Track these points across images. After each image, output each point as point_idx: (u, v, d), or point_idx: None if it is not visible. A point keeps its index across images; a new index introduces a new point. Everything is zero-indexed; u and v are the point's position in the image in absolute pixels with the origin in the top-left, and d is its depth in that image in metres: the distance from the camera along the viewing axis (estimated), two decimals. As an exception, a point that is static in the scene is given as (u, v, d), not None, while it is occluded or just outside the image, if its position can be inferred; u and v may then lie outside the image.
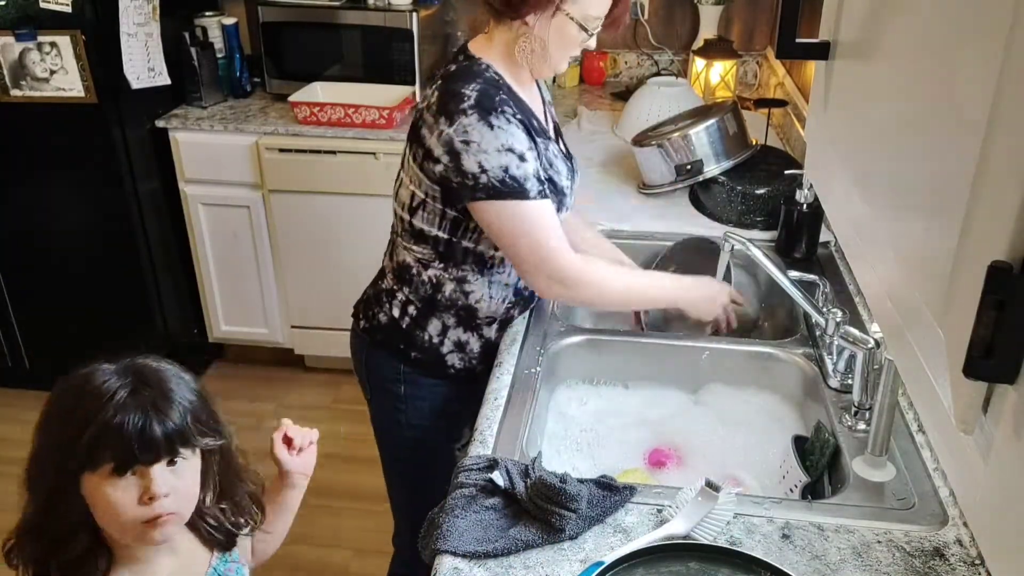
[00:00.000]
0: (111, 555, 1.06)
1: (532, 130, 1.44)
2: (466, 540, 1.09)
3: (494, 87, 1.42)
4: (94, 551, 1.04)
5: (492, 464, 1.20)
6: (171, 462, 1.02)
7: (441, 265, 1.52)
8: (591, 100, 3.02)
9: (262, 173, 2.84)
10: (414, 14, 2.79)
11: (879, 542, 1.10)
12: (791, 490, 1.29)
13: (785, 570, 0.94)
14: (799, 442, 1.36)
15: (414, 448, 1.67)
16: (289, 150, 2.80)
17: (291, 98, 2.81)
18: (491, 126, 1.37)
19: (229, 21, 3.05)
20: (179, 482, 1.03)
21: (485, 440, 1.30)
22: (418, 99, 2.77)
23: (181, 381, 1.07)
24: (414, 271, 1.54)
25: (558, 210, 1.49)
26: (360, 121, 2.72)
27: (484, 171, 1.37)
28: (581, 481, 1.14)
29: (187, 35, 2.90)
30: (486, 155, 1.37)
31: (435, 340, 1.56)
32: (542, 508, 1.10)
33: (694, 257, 1.81)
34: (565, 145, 1.63)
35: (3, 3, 2.57)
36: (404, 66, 2.83)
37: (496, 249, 1.49)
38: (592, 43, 1.46)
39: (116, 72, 2.68)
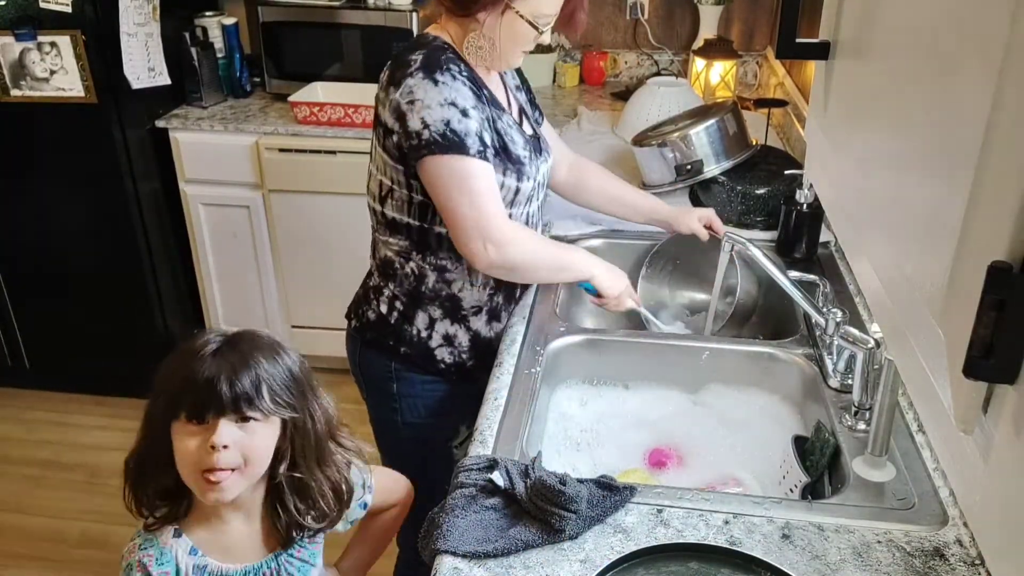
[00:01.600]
0: (191, 501, 1.18)
1: (481, 95, 1.44)
2: (466, 540, 1.09)
3: (441, 51, 1.43)
4: (179, 492, 1.16)
5: (492, 464, 1.20)
6: (242, 419, 1.10)
7: (419, 256, 1.52)
8: (591, 100, 3.02)
9: (262, 173, 2.85)
10: (414, 14, 2.79)
11: (879, 542, 1.10)
12: (791, 490, 1.29)
13: (785, 570, 0.94)
14: (799, 442, 1.36)
15: (410, 446, 1.67)
16: (289, 150, 2.80)
17: (291, 98, 2.81)
18: (435, 82, 1.37)
19: (229, 21, 3.05)
20: (248, 440, 1.10)
21: (485, 440, 1.30)
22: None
23: (274, 355, 1.14)
24: (396, 265, 1.55)
25: (519, 179, 1.49)
26: (360, 121, 2.72)
27: (427, 126, 1.36)
28: (581, 481, 1.14)
29: (187, 35, 2.90)
30: (429, 110, 1.36)
31: (423, 334, 1.57)
32: (542, 509, 1.10)
33: (685, 250, 1.84)
34: (535, 130, 1.64)
35: (3, 3, 2.57)
36: (404, 66, 2.82)
37: None
38: (546, 37, 1.47)
39: (116, 72, 2.68)
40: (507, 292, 1.61)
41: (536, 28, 1.42)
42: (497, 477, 1.17)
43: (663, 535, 1.11)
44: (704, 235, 1.75)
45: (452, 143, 1.37)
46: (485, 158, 1.40)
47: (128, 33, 2.67)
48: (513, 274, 1.52)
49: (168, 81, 2.85)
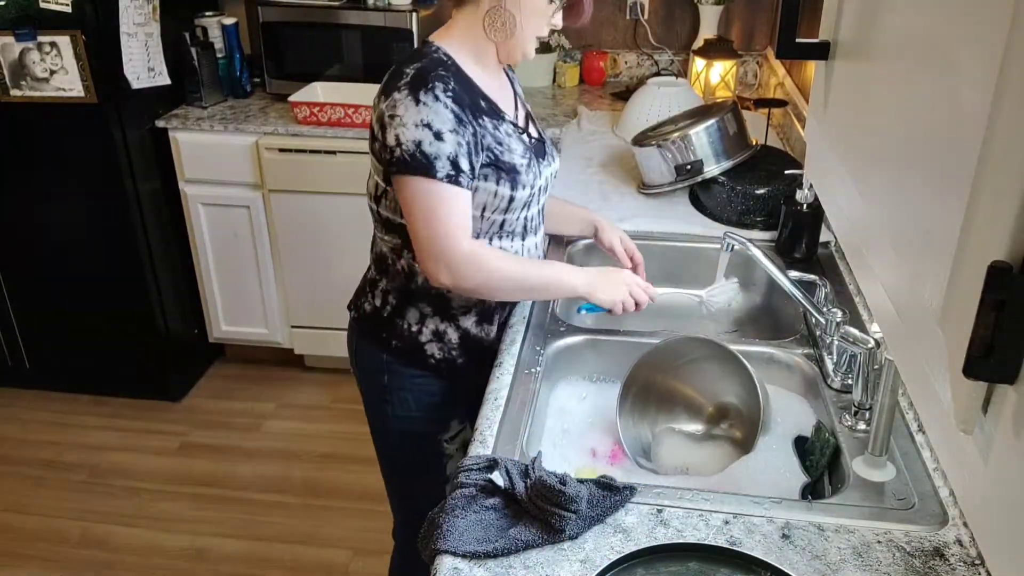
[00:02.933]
0: None
1: (476, 110, 1.43)
2: (466, 540, 1.09)
3: (437, 65, 1.43)
4: None
5: (492, 464, 1.20)
6: None
7: (410, 254, 1.51)
8: (591, 100, 3.02)
9: (262, 173, 2.85)
10: (414, 14, 2.79)
11: (879, 542, 1.10)
12: (793, 488, 1.29)
13: (785, 570, 0.94)
14: (799, 442, 1.36)
15: (401, 439, 1.68)
16: (289, 150, 2.80)
17: (291, 98, 2.81)
18: (416, 101, 1.38)
19: (229, 21, 3.05)
20: None
21: (485, 440, 1.30)
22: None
23: None
24: (389, 260, 1.57)
25: (513, 188, 1.48)
26: (360, 121, 2.72)
27: (399, 144, 1.38)
28: (581, 481, 1.14)
29: (187, 35, 2.91)
30: (404, 128, 1.38)
31: (413, 329, 1.57)
32: (542, 509, 1.10)
33: (652, 371, 1.51)
34: (539, 131, 1.63)
35: (3, 3, 2.57)
36: (404, 66, 2.83)
37: None
38: (558, 20, 1.49)
39: (116, 72, 2.68)
40: None
41: None
42: (497, 477, 1.17)
43: (663, 535, 1.11)
44: (625, 260, 1.71)
45: (420, 164, 1.38)
46: (455, 182, 1.39)
47: (128, 33, 2.67)
48: (477, 294, 1.50)
49: (168, 81, 2.85)
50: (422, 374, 1.60)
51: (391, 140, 1.39)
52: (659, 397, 1.48)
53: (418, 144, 1.37)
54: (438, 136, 1.38)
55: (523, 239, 1.57)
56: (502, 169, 1.47)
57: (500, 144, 1.47)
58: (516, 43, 1.48)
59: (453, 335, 1.58)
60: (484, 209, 1.48)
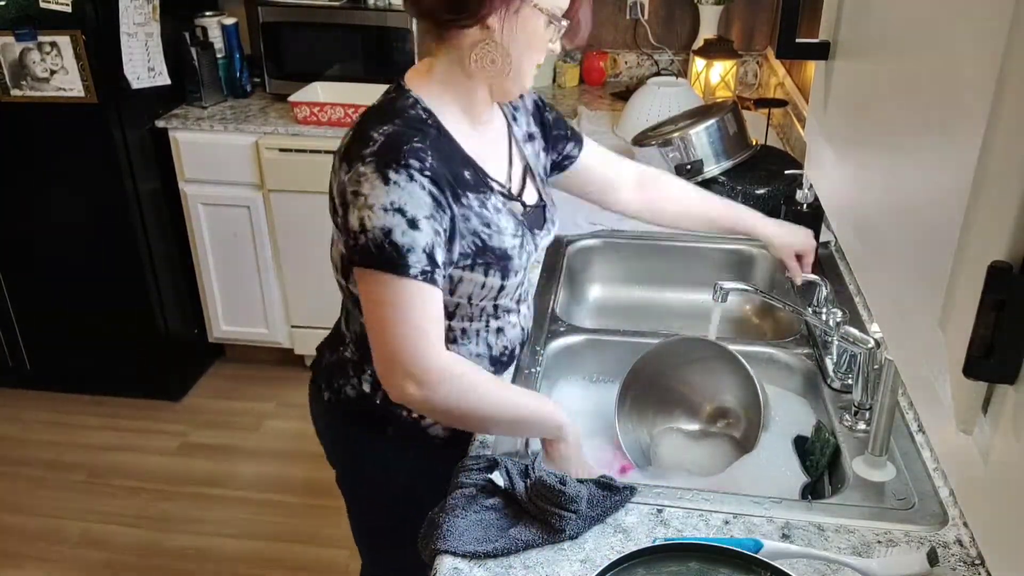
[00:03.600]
0: None
1: (458, 185, 1.20)
2: (466, 540, 1.09)
3: (413, 129, 1.18)
4: None
5: (492, 464, 1.20)
6: None
7: None
8: (591, 100, 3.02)
9: (262, 173, 2.85)
10: None
11: (879, 542, 1.10)
12: (793, 488, 1.29)
13: (785, 570, 0.94)
14: (799, 442, 1.36)
15: (391, 521, 1.45)
16: (289, 150, 2.80)
17: (291, 98, 2.81)
18: (386, 180, 1.13)
19: (229, 21, 3.05)
20: None
21: (485, 440, 1.30)
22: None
23: None
24: None
25: (504, 276, 1.27)
26: (360, 121, 2.72)
27: (364, 231, 1.13)
28: (581, 481, 1.14)
29: (187, 35, 2.91)
30: (370, 212, 1.12)
31: (415, 415, 1.34)
32: (542, 509, 1.11)
33: (652, 372, 1.48)
34: (540, 191, 1.40)
35: (3, 3, 2.57)
36: (404, 66, 2.77)
37: (452, 318, 1.29)
38: (557, 46, 1.26)
39: (116, 72, 2.68)
40: (502, 369, 1.41)
41: (557, 20, 1.20)
42: (497, 477, 1.17)
43: (663, 535, 1.11)
44: (798, 276, 1.56)
45: (389, 259, 1.12)
46: (431, 279, 1.15)
47: (128, 33, 2.67)
48: (444, 417, 1.26)
49: (168, 81, 2.85)
50: (425, 455, 1.38)
51: (354, 223, 1.14)
52: (657, 398, 1.48)
53: (387, 233, 1.12)
54: (412, 224, 1.13)
55: (518, 312, 1.40)
56: (491, 256, 1.25)
57: (488, 226, 1.24)
58: (512, 79, 1.24)
59: None
60: (471, 298, 1.29)
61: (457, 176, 1.21)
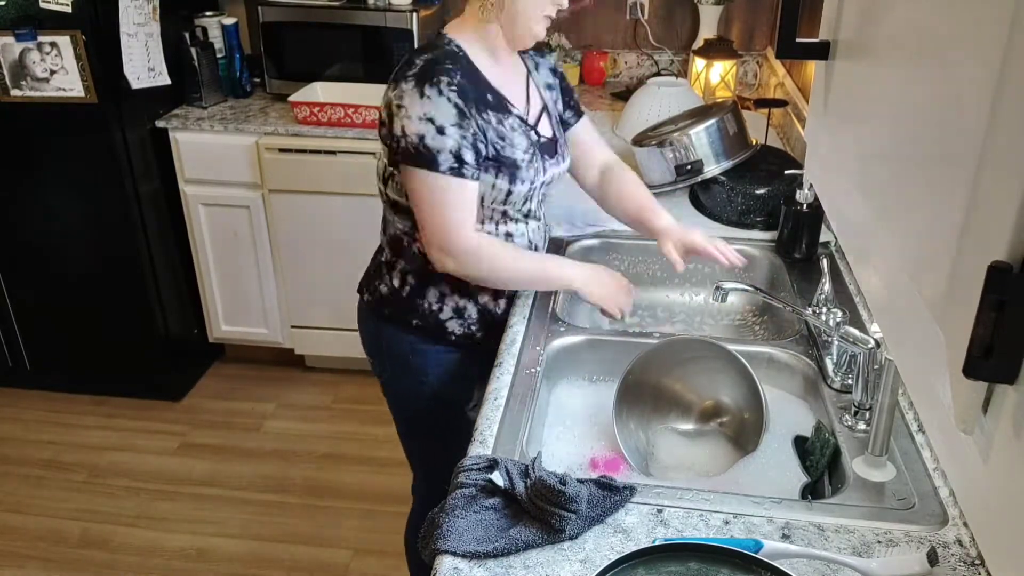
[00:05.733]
0: None
1: (481, 104, 1.47)
2: (466, 540, 1.09)
3: (447, 58, 1.46)
4: None
5: (492, 464, 1.20)
6: None
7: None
8: (591, 100, 3.02)
9: (262, 173, 2.85)
10: (414, 14, 2.79)
11: (879, 542, 1.10)
12: (793, 488, 1.29)
13: (785, 570, 0.94)
14: (799, 442, 1.36)
15: (427, 413, 1.73)
16: (289, 150, 2.80)
17: (291, 98, 2.81)
18: (422, 94, 1.42)
19: (229, 21, 3.05)
20: None
21: (485, 440, 1.30)
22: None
23: None
24: (405, 243, 1.60)
25: (511, 182, 1.52)
26: (360, 121, 2.72)
27: (404, 135, 1.43)
28: (581, 481, 1.14)
29: (187, 35, 2.91)
30: (408, 120, 1.42)
31: (434, 307, 1.62)
32: (542, 509, 1.10)
33: (647, 376, 1.47)
34: (554, 128, 1.65)
35: (3, 3, 2.57)
36: (404, 66, 2.83)
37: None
38: (564, 2, 1.49)
39: (116, 72, 2.68)
40: None
41: None
42: (497, 477, 1.17)
43: (663, 535, 1.11)
44: (679, 264, 1.60)
45: (423, 157, 1.43)
46: (459, 173, 1.44)
47: (128, 33, 2.67)
48: (480, 282, 1.57)
49: (168, 81, 2.85)
50: (445, 349, 1.66)
51: (397, 130, 1.44)
52: (655, 397, 1.47)
53: (421, 138, 1.42)
54: (440, 131, 1.42)
55: (526, 224, 1.63)
56: (502, 163, 1.51)
57: (502, 139, 1.51)
58: (519, 25, 1.49)
59: (472, 310, 1.63)
60: (483, 199, 1.52)
61: (480, 96, 1.48)
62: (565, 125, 1.73)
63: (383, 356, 1.72)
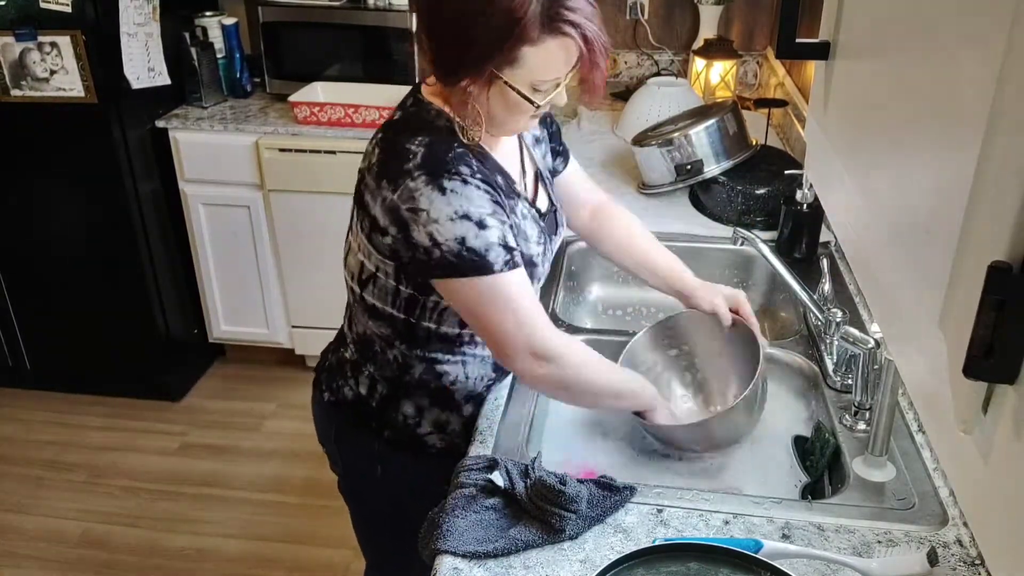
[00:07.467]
0: None
1: (497, 187, 1.23)
2: (466, 540, 1.09)
3: (449, 139, 1.20)
4: None
5: (492, 464, 1.20)
6: None
7: (404, 346, 1.31)
8: (591, 100, 3.01)
9: (262, 173, 2.85)
10: (414, 14, 2.79)
11: (879, 542, 1.10)
12: (793, 488, 1.29)
13: (785, 570, 0.94)
14: (799, 442, 1.36)
15: (388, 519, 1.48)
16: (289, 150, 2.80)
17: (291, 98, 2.81)
18: (442, 190, 1.15)
19: (229, 21, 3.05)
20: None
21: (485, 440, 1.30)
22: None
23: None
24: (376, 348, 1.35)
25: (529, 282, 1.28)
26: (360, 121, 2.72)
27: (437, 245, 1.15)
28: (581, 481, 1.14)
29: (187, 35, 2.91)
30: (438, 226, 1.15)
31: (411, 421, 1.38)
32: (542, 509, 1.11)
33: (696, 336, 1.53)
34: (549, 193, 1.42)
35: (3, 3, 2.57)
36: (404, 66, 2.83)
37: (463, 326, 1.29)
38: (562, 99, 1.22)
39: (116, 72, 2.68)
40: (503, 374, 1.43)
41: (530, 101, 1.17)
42: (497, 477, 1.17)
43: (663, 535, 1.11)
44: (727, 318, 1.43)
45: (472, 264, 1.16)
46: (514, 265, 1.19)
47: (128, 33, 2.67)
48: (563, 395, 1.30)
49: (168, 81, 2.85)
50: (419, 459, 1.41)
51: (422, 239, 1.16)
52: (677, 356, 1.53)
53: (462, 241, 1.15)
54: (481, 225, 1.16)
55: None
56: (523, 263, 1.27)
57: (517, 232, 1.27)
58: (500, 130, 1.26)
59: (456, 423, 1.39)
60: None
61: (496, 181, 1.24)
62: (554, 173, 1.50)
63: (341, 459, 1.49)
